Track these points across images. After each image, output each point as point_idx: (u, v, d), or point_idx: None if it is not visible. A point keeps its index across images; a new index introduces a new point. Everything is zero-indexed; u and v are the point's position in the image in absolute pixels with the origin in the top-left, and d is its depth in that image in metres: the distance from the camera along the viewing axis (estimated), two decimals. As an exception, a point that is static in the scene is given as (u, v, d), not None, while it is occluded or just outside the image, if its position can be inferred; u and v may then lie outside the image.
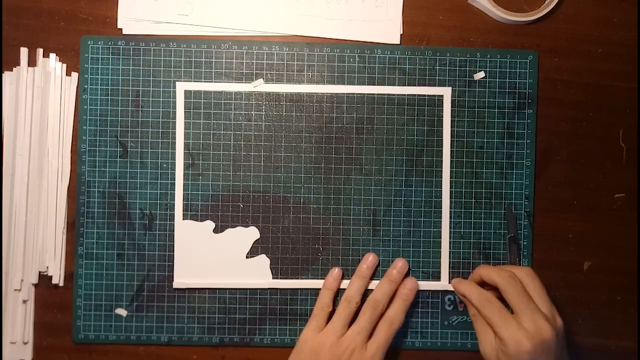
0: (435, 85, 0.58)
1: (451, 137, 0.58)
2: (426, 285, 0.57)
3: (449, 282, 0.57)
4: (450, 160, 0.58)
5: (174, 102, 0.57)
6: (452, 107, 0.58)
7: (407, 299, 0.56)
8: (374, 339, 0.53)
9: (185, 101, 0.57)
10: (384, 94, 0.57)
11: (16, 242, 0.56)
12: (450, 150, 0.58)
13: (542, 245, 0.59)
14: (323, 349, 0.52)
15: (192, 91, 0.57)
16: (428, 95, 0.58)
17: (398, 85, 0.58)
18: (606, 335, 0.59)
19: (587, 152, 0.59)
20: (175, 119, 0.57)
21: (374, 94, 0.57)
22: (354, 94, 0.57)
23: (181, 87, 0.57)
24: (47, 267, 0.56)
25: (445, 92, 0.58)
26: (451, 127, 0.58)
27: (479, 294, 0.51)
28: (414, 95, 0.58)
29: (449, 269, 0.58)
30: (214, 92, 0.57)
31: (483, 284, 0.53)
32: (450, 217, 0.58)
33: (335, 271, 0.56)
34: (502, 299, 0.51)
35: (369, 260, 0.56)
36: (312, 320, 0.54)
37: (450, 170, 0.58)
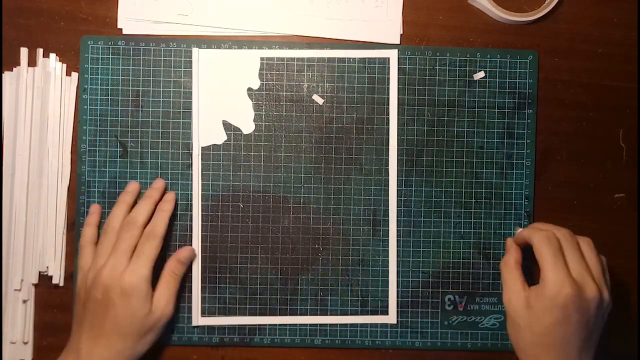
0: (435, 85, 0.58)
1: (451, 137, 0.58)
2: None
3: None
4: (450, 160, 0.58)
5: (176, 102, 0.57)
6: (451, 107, 0.58)
7: (166, 210, 0.55)
8: (135, 254, 0.52)
9: (184, 101, 0.57)
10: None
11: (16, 242, 0.56)
12: (451, 151, 0.58)
13: (542, 245, 0.58)
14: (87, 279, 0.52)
15: (191, 92, 0.57)
16: (429, 98, 0.58)
17: (398, 85, 0.58)
18: (606, 335, 0.59)
19: (587, 152, 0.59)
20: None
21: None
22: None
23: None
24: (47, 267, 0.56)
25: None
26: (451, 127, 0.58)
27: (541, 232, 0.50)
28: (414, 98, 0.58)
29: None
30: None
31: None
32: (451, 217, 0.58)
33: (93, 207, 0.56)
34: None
35: (130, 185, 0.56)
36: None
37: (450, 170, 0.58)
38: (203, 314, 0.57)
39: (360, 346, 0.57)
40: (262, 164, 0.57)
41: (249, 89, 0.57)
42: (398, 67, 0.58)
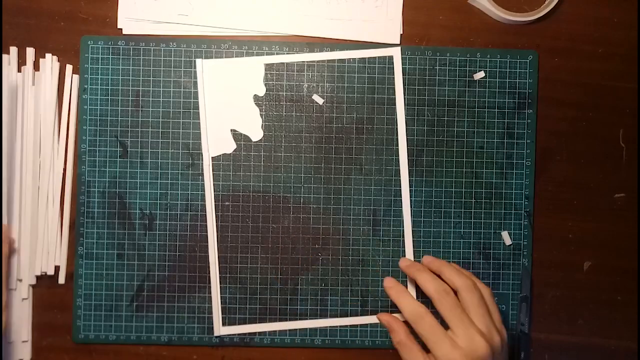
0: (435, 85, 0.58)
1: (451, 137, 0.58)
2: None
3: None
4: (450, 160, 0.58)
5: (176, 102, 0.57)
6: (451, 107, 0.58)
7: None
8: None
9: (184, 101, 0.57)
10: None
11: (17, 242, 0.56)
12: (451, 151, 0.58)
13: (542, 245, 0.59)
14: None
15: (191, 92, 0.57)
16: (429, 98, 0.58)
17: (398, 85, 0.58)
18: (606, 335, 0.59)
19: (587, 152, 0.59)
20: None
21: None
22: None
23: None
24: (47, 267, 0.56)
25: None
26: (451, 127, 0.58)
27: (412, 308, 0.50)
28: (414, 98, 0.58)
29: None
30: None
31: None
32: (451, 217, 0.58)
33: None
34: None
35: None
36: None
37: (450, 170, 0.58)
38: (202, 313, 0.57)
39: (360, 346, 0.57)
40: (262, 164, 0.57)
41: (254, 96, 0.57)
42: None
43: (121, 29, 0.57)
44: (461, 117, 0.58)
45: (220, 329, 0.57)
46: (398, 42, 0.58)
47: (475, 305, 0.49)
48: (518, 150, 0.58)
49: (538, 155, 0.59)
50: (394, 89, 0.58)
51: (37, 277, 0.56)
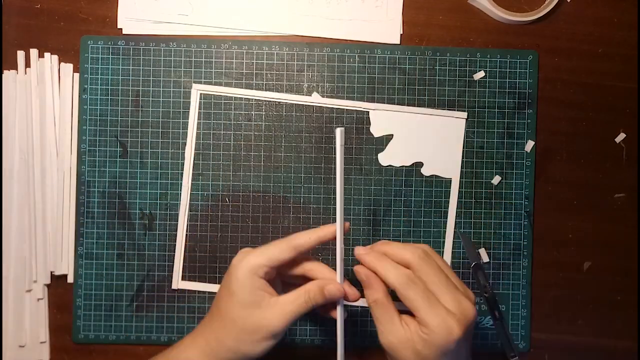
0: (435, 85, 0.58)
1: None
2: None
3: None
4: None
5: (176, 102, 0.57)
6: (451, 107, 0.58)
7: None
8: None
9: (184, 101, 0.57)
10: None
11: (16, 243, 0.56)
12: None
13: (542, 245, 0.59)
14: None
15: (191, 92, 0.57)
16: (429, 98, 0.58)
17: (398, 85, 0.58)
18: (606, 335, 0.59)
19: (587, 152, 0.59)
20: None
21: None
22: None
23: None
24: (55, 267, 0.56)
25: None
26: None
27: (398, 272, 0.44)
28: (414, 98, 0.58)
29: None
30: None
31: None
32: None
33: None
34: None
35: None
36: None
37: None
38: (202, 313, 0.57)
39: (360, 345, 0.57)
40: (262, 164, 0.57)
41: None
42: (398, 67, 0.58)
43: (121, 29, 0.57)
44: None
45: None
46: (398, 42, 0.58)
47: (448, 267, 0.46)
48: (518, 150, 0.58)
49: (538, 155, 0.59)
50: (394, 89, 0.58)
51: (50, 278, 0.56)
